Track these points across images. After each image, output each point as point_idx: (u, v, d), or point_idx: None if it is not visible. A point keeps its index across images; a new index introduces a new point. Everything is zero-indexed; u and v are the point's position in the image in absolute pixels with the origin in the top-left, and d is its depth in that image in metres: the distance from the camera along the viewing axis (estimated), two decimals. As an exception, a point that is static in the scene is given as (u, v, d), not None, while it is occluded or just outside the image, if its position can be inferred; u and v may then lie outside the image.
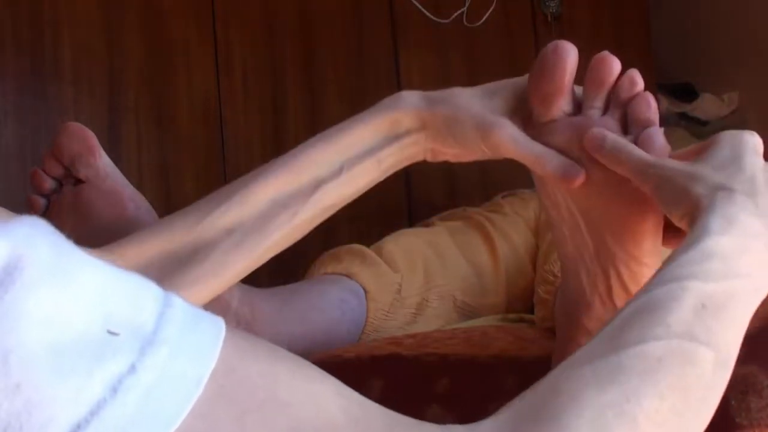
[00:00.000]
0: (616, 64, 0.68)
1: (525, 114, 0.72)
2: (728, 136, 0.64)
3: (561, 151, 0.69)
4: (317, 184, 0.71)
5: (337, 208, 0.74)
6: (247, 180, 0.72)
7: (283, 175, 0.71)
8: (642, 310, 0.51)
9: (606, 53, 0.68)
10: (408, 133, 0.73)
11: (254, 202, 0.70)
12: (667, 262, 0.55)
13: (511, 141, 0.70)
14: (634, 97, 0.68)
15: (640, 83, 0.68)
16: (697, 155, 0.64)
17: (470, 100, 0.73)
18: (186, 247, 0.69)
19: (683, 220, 0.60)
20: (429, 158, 0.76)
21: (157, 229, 0.71)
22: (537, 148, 0.69)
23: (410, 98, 0.74)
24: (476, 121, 0.72)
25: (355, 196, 0.74)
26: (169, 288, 0.63)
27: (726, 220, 0.56)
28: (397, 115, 0.73)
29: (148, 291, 0.41)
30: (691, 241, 0.55)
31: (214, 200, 0.71)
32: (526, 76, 0.72)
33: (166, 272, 0.68)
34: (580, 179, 0.67)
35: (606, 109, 0.69)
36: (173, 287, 0.66)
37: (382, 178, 0.74)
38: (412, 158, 0.75)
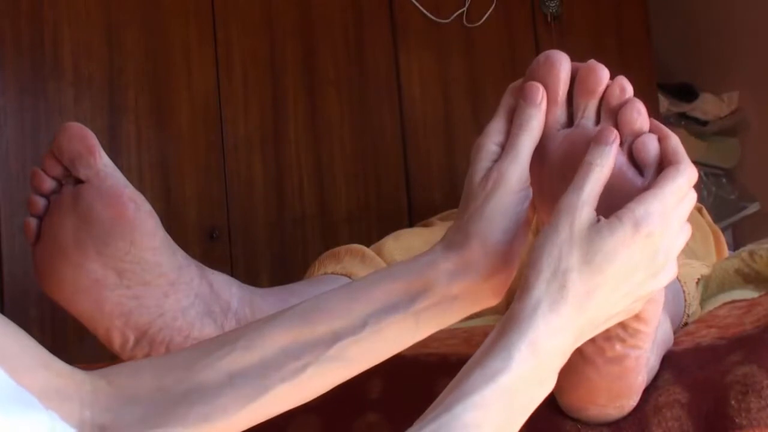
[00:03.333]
0: (604, 73, 0.68)
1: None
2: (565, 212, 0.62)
3: (559, 168, 0.68)
4: (334, 338, 0.65)
5: (366, 367, 0.67)
6: (255, 325, 0.66)
7: (296, 323, 0.65)
8: None
9: (593, 62, 0.68)
10: (450, 280, 0.65)
11: (260, 349, 0.64)
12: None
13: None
14: (623, 105, 0.67)
15: (630, 90, 0.67)
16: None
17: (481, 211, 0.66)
18: (180, 386, 0.64)
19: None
20: (494, 301, 0.67)
21: (154, 362, 0.67)
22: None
23: (440, 254, 0.66)
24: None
25: (390, 354, 0.67)
26: (158, 427, 0.61)
27: (531, 348, 0.58)
28: (432, 269, 0.65)
29: None
30: (492, 356, 0.58)
31: (218, 341, 0.66)
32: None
33: (156, 408, 0.63)
34: None
35: (598, 119, 0.69)
36: (161, 426, 0.62)
37: (423, 336, 0.67)
38: (466, 309, 0.67)
